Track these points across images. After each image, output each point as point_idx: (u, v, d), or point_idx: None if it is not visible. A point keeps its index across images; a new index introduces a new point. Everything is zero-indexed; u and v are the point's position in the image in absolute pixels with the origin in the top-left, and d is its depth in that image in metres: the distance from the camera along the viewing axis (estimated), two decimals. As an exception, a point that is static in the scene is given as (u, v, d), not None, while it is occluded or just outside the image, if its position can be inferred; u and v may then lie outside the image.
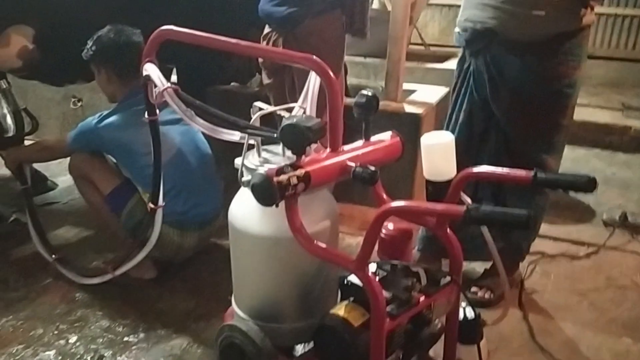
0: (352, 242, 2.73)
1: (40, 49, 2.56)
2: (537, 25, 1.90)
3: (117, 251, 2.48)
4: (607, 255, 2.70)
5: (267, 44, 2.53)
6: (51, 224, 2.79)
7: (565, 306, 2.29)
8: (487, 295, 2.25)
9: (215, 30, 2.49)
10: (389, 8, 4.31)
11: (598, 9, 2.02)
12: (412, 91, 3.31)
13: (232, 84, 3.28)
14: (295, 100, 2.50)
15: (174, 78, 3.01)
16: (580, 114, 4.30)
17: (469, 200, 1.54)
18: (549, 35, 1.93)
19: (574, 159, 3.90)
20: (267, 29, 2.58)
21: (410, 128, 2.84)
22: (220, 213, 2.41)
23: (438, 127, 3.29)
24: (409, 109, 2.95)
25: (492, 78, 2.01)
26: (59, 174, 3.29)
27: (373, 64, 3.98)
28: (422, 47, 5.02)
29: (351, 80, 3.49)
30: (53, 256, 2.42)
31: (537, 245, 2.47)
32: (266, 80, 2.72)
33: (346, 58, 2.72)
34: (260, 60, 2.74)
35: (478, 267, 2.43)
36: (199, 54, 2.44)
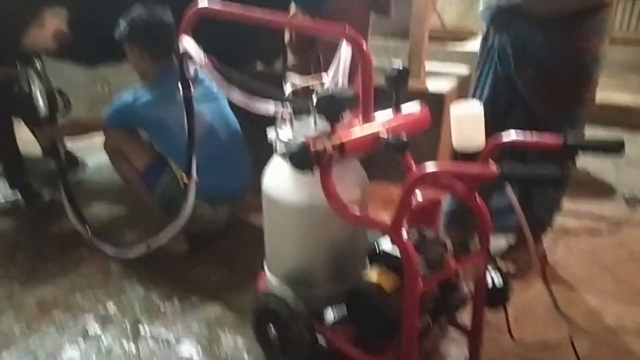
0: (374, 217, 2.78)
1: (74, 30, 2.61)
2: (562, 0, 1.92)
3: (150, 225, 2.56)
4: (629, 231, 2.72)
5: (295, 24, 2.57)
6: (83, 201, 2.85)
7: (587, 279, 2.33)
8: (511, 268, 2.29)
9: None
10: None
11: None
12: (435, 72, 3.34)
13: (257, 63, 3.32)
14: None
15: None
16: (601, 95, 4.29)
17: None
18: (574, 11, 1.95)
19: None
20: (293, 10, 2.62)
21: (433, 107, 2.83)
22: (249, 187, 2.47)
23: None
24: (432, 88, 2.99)
25: (516, 53, 2.04)
26: (89, 154, 3.37)
27: (394, 46, 3.98)
28: (441, 32, 5.02)
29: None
30: (88, 230, 2.50)
31: (560, 221, 2.51)
32: (292, 61, 2.76)
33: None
34: (286, 39, 2.78)
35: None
36: (225, 33, 2.50)
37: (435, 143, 2.91)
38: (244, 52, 2.98)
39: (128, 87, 3.61)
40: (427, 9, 2.92)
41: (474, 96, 2.28)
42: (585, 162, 3.00)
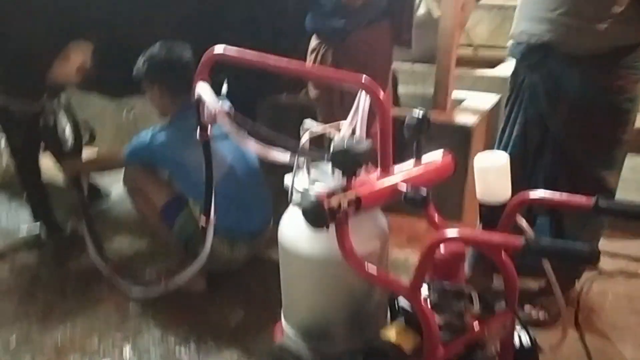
0: (400, 255, 2.70)
1: (99, 64, 2.63)
2: (597, 38, 1.83)
3: (168, 261, 2.54)
4: (669, 273, 2.58)
5: (316, 56, 2.53)
6: (104, 234, 2.86)
7: (624, 327, 2.20)
8: (541, 315, 2.19)
9: (266, 44, 2.52)
10: (435, 14, 4.25)
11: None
12: (462, 100, 3.25)
13: (282, 94, 3.30)
14: (343, 113, 2.52)
15: (224, 89, 3.04)
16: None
17: (524, 223, 1.49)
18: (609, 49, 1.86)
19: (633, 168, 3.72)
20: (314, 42, 2.58)
21: (460, 139, 2.79)
22: (269, 224, 2.43)
23: (489, 137, 3.22)
24: (459, 119, 2.90)
25: (549, 92, 1.95)
26: (111, 185, 3.38)
27: (421, 71, 3.91)
28: (470, 51, 4.91)
29: (399, 88, 3.45)
30: (108, 267, 2.49)
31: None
32: (313, 92, 2.72)
33: (393, 65, 2.70)
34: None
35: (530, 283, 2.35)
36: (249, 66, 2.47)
37: (463, 177, 2.81)
38: (268, 84, 2.95)
39: (152, 115, 3.67)
40: (454, 39, 2.84)
41: (502, 133, 2.19)
42: (621, 197, 2.85)
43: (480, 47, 5.06)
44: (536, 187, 2.09)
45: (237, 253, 2.36)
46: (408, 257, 2.73)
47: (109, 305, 2.36)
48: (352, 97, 1.81)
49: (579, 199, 1.32)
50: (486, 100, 3.24)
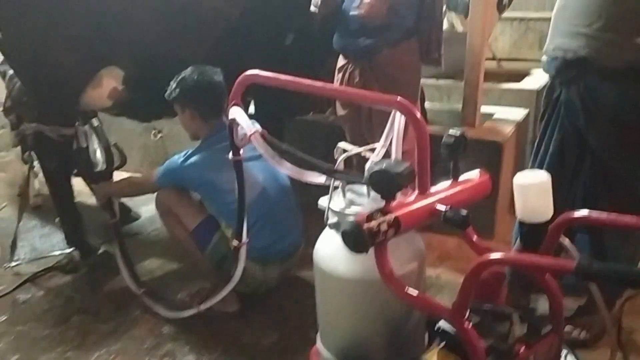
0: (432, 273, 2.66)
1: (130, 89, 2.67)
2: (635, 51, 1.78)
3: (201, 283, 2.54)
4: None
5: (344, 75, 2.54)
6: (136, 255, 2.89)
7: (670, 347, 2.13)
8: (582, 335, 2.13)
9: (294, 63, 2.54)
10: (458, 28, 4.23)
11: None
12: (490, 114, 3.22)
13: (310, 113, 3.31)
14: (371, 132, 2.52)
15: (251, 109, 3.06)
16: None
17: (570, 244, 1.46)
18: None
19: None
20: (342, 61, 2.58)
21: (491, 155, 2.76)
22: (301, 245, 2.42)
23: (519, 152, 3.18)
24: (488, 135, 2.87)
25: (587, 108, 1.91)
26: (142, 204, 3.41)
27: (446, 86, 3.89)
28: (494, 63, 4.88)
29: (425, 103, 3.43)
30: (141, 290, 2.50)
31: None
32: (340, 112, 2.72)
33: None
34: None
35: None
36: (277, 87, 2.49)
37: (494, 193, 2.77)
38: (296, 104, 2.97)
39: (179, 135, 3.71)
40: (482, 54, 2.82)
41: (537, 151, 2.15)
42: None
43: (502, 60, 5.04)
44: (574, 204, 2.06)
45: (270, 274, 2.35)
46: (440, 275, 2.69)
47: (143, 328, 2.36)
48: (380, 115, 1.81)
49: (628, 219, 1.28)
50: (515, 114, 3.20)
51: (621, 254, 2.09)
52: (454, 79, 3.81)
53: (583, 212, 1.40)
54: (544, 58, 2.05)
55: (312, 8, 2.49)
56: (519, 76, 4.05)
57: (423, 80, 3.53)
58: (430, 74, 3.87)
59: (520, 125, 3.11)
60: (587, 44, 1.85)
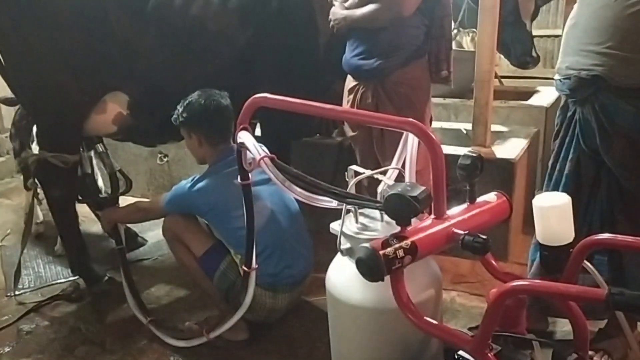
0: (446, 297, 2.59)
1: (135, 114, 2.64)
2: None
3: (209, 311, 2.48)
4: None
5: (355, 97, 2.51)
6: (143, 281, 2.84)
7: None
8: (605, 360, 2.05)
9: (301, 85, 2.50)
10: (466, 46, 4.21)
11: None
12: (499, 132, 3.18)
13: (316, 135, 3.28)
14: (383, 152, 2.48)
15: (257, 131, 3.03)
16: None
17: (592, 268, 1.40)
18: None
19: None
20: (352, 82, 2.55)
21: (503, 174, 2.71)
22: (311, 271, 2.37)
23: (530, 171, 3.13)
24: (500, 154, 2.82)
25: (603, 127, 1.87)
26: (148, 229, 3.36)
27: (453, 105, 3.85)
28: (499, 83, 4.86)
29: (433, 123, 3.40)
30: (148, 318, 2.44)
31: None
32: (350, 133, 2.69)
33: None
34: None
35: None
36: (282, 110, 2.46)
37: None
38: (302, 125, 2.94)
39: (185, 159, 3.68)
40: (491, 73, 2.78)
41: (552, 171, 2.10)
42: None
43: (505, 78, 5.01)
44: (591, 225, 2.00)
45: (280, 302, 2.28)
46: (454, 298, 2.63)
47: (150, 359, 2.30)
48: (392, 134, 1.77)
49: (656, 242, 1.23)
50: (525, 133, 3.16)
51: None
52: (461, 98, 3.78)
53: (608, 236, 1.35)
54: (557, 77, 2.01)
55: (332, 22, 2.48)
56: (526, 94, 4.01)
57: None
58: (438, 93, 3.85)
59: (531, 144, 3.07)
60: (601, 62, 1.81)
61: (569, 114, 2.00)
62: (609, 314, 1.94)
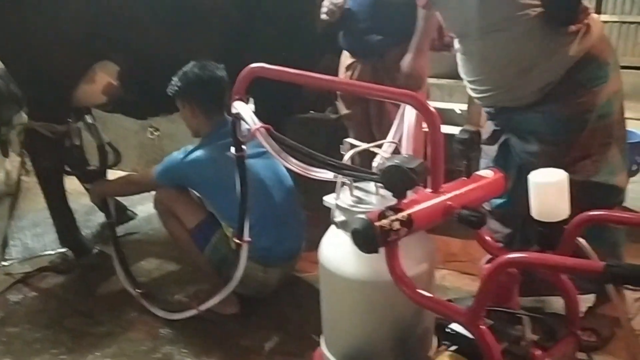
0: (437, 275, 2.59)
1: (125, 85, 2.60)
2: (527, 91, 1.86)
3: (200, 284, 2.47)
4: None
5: (352, 74, 2.49)
6: (132, 254, 2.81)
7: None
8: (592, 339, 2.07)
9: (295, 59, 2.48)
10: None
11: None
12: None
13: (310, 112, 3.25)
14: (380, 132, 2.47)
15: (251, 107, 3.00)
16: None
17: (586, 245, 1.41)
18: (548, 91, 1.85)
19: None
20: (349, 59, 2.53)
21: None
22: (303, 246, 2.36)
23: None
24: (493, 134, 2.81)
25: (525, 140, 1.94)
26: (138, 203, 3.33)
27: (448, 85, 3.84)
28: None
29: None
30: (137, 291, 2.43)
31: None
32: (344, 111, 2.67)
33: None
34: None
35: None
36: (277, 84, 2.43)
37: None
38: (296, 101, 2.91)
39: (177, 134, 3.64)
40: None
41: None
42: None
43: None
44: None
45: (271, 277, 2.28)
46: (444, 276, 2.64)
47: (139, 331, 2.29)
48: (394, 113, 1.75)
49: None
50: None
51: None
52: (455, 79, 3.75)
53: (602, 212, 1.35)
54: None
55: (323, 16, 2.44)
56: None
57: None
58: (433, 73, 3.83)
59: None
60: (495, 100, 1.97)
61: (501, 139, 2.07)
62: (600, 289, 1.95)
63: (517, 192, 1.89)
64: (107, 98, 2.65)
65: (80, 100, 2.67)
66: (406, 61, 2.33)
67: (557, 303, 2.13)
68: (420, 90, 2.34)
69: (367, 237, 1.32)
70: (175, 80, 2.27)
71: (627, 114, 2.03)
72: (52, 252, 2.91)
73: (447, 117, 3.39)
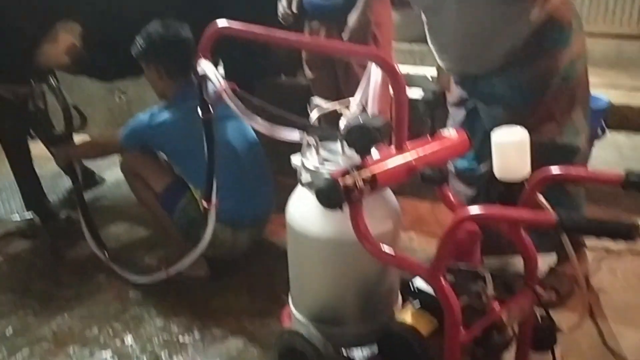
0: (405, 237, 2.64)
1: (88, 46, 2.53)
2: (491, 57, 1.87)
3: (169, 248, 2.47)
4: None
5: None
6: (101, 220, 2.78)
7: (635, 306, 2.16)
8: (551, 296, 2.14)
9: (261, 20, 2.44)
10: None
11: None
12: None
13: (281, 76, 3.22)
14: (346, 93, 2.46)
15: (220, 71, 2.96)
16: (635, 99, 4.05)
17: (545, 203, 1.44)
18: (511, 56, 1.87)
19: (634, 147, 3.69)
20: (314, 24, 2.50)
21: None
22: (272, 209, 2.36)
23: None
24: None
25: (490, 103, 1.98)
26: (106, 168, 3.29)
27: (419, 51, 3.83)
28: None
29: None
30: (106, 254, 2.42)
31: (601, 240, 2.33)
32: (309, 75, 2.66)
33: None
34: (303, 54, 2.68)
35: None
36: (245, 46, 2.39)
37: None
38: (264, 64, 2.87)
39: (145, 97, 3.57)
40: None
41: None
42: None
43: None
44: None
45: (240, 239, 2.29)
46: (412, 238, 2.68)
47: (108, 294, 2.29)
48: (355, 77, 1.76)
49: (608, 174, 1.27)
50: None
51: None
52: (426, 44, 3.75)
53: (561, 169, 1.38)
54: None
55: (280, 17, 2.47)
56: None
57: (396, 45, 3.48)
58: (404, 38, 3.81)
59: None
60: (462, 70, 2.02)
61: (469, 105, 2.09)
62: (559, 246, 2.02)
63: (484, 156, 1.93)
64: (70, 59, 2.58)
65: (42, 62, 2.58)
66: (352, 15, 2.31)
67: (520, 264, 2.20)
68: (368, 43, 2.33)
69: (330, 195, 1.32)
70: (138, 40, 2.21)
71: (596, 80, 2.07)
72: (19, 218, 2.86)
73: (419, 82, 3.41)
